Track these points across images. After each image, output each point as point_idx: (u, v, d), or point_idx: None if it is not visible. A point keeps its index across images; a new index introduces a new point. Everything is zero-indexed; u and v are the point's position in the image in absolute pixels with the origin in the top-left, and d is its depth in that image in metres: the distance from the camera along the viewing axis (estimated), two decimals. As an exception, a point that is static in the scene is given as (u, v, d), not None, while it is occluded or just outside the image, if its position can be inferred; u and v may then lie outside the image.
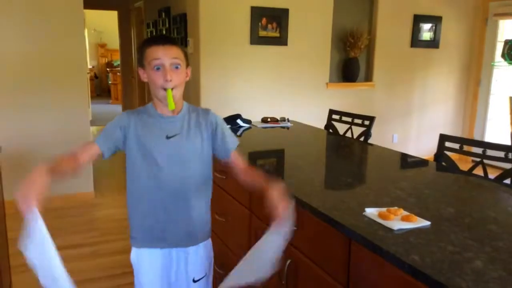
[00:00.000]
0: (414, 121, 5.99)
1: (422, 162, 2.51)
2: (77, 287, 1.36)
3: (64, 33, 4.23)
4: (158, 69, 1.58)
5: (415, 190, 1.94)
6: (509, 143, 3.69)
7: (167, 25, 5.62)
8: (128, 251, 3.32)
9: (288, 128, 3.44)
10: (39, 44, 4.16)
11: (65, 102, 4.32)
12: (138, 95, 7.98)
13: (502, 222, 1.56)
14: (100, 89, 13.32)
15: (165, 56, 1.58)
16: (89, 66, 13.15)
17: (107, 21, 11.88)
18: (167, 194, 1.69)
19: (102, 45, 13.09)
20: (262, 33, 4.84)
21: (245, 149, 2.75)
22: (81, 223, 3.90)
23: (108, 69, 12.74)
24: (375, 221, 1.52)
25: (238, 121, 3.30)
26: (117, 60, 11.48)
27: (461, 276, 1.16)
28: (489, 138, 5.98)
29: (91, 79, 13.06)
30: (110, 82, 12.42)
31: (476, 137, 6.12)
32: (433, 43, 5.82)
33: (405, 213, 1.57)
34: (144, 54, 1.61)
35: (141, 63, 1.64)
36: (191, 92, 4.95)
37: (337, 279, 1.55)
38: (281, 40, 4.94)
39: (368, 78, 5.67)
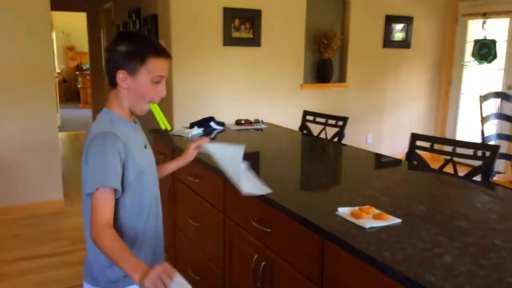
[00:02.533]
0: (387, 121, 6.07)
1: (395, 162, 2.53)
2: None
3: (30, 36, 4.10)
4: (156, 82, 1.43)
5: (387, 189, 1.95)
6: (479, 141, 3.77)
7: (137, 26, 5.54)
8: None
9: (262, 130, 3.43)
10: (3, 48, 4.03)
11: (32, 107, 4.18)
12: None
13: (471, 218, 1.58)
14: (69, 93, 13.02)
15: (167, 71, 1.45)
16: (58, 70, 12.87)
17: (75, 23, 11.65)
18: (154, 205, 1.58)
19: (71, 48, 12.82)
20: (235, 34, 4.83)
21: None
22: (51, 232, 3.79)
23: (77, 72, 12.48)
24: (347, 220, 1.51)
25: (212, 123, 3.27)
26: (86, 63, 11.26)
27: (431, 272, 1.16)
28: (460, 136, 6.11)
29: (59, 83, 12.75)
30: (79, 86, 12.17)
31: (448, 135, 6.24)
32: (405, 43, 5.91)
33: (376, 211, 1.58)
34: (146, 62, 1.39)
35: (131, 67, 1.38)
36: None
37: (311, 279, 1.55)
38: (255, 41, 4.93)
39: (342, 78, 5.72)
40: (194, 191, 2.53)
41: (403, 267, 1.19)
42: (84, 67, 12.13)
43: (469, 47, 5.83)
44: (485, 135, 3.78)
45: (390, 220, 1.51)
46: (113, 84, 1.43)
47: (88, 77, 10.14)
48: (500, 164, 5.03)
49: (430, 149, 2.50)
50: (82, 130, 8.70)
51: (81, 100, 11.90)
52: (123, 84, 1.40)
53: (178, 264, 2.87)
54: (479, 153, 2.31)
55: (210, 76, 4.78)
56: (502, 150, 4.71)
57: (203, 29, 4.67)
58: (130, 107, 1.46)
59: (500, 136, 3.96)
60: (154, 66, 1.40)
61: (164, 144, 2.97)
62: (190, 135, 3.00)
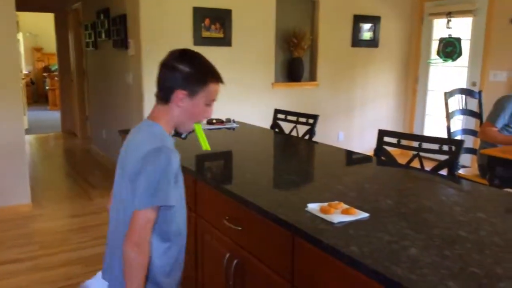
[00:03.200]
0: (358, 118, 6.16)
1: (364, 158, 2.58)
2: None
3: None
4: (208, 105, 1.46)
5: (356, 184, 1.99)
6: (445, 137, 3.87)
7: (106, 27, 5.46)
8: (71, 263, 3.21)
9: (234, 129, 3.43)
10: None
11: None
12: (77, 101, 7.70)
13: (436, 211, 1.62)
14: (37, 95, 12.71)
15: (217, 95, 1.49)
16: (25, 72, 12.54)
17: (43, 24, 11.39)
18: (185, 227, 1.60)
19: (38, 49, 12.52)
20: (206, 33, 4.81)
21: (191, 152, 2.71)
22: (19, 237, 3.69)
23: (45, 74, 12.20)
24: (316, 216, 1.53)
25: (183, 123, 3.25)
26: (54, 64, 11.01)
27: (397, 264, 1.19)
28: (428, 132, 6.26)
29: (27, 85, 12.44)
30: (47, 87, 11.89)
31: (416, 131, 6.38)
32: (373, 43, 6.02)
33: (345, 206, 1.60)
34: (207, 86, 1.42)
35: (192, 89, 1.40)
36: (133, 96, 4.84)
37: (282, 275, 1.56)
38: (225, 41, 4.93)
39: (312, 77, 5.77)
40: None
41: (370, 260, 1.21)
42: (52, 69, 11.86)
43: (435, 46, 5.97)
44: (451, 130, 3.88)
45: (358, 215, 1.54)
46: (165, 100, 1.41)
47: (56, 78, 9.91)
48: (466, 158, 5.19)
49: (397, 145, 2.56)
50: (51, 132, 8.52)
51: (50, 102, 11.64)
52: (180, 103, 1.40)
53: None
54: (446, 148, 2.37)
55: (181, 76, 4.75)
56: (468, 144, 4.86)
57: (173, 29, 4.63)
58: (177, 125, 1.46)
59: (465, 131, 4.07)
60: (212, 90, 1.43)
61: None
62: (160, 135, 2.97)
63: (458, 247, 1.30)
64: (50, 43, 10.85)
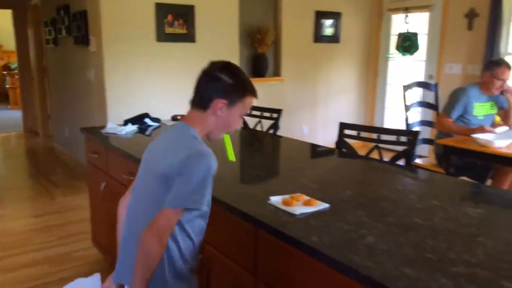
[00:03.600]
0: (321, 112, 6.28)
1: (326, 151, 2.65)
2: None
3: None
4: (241, 117, 1.52)
5: (318, 176, 2.05)
6: (404, 128, 4.02)
7: (66, 23, 5.33)
8: (36, 263, 3.16)
9: (198, 124, 3.44)
10: None
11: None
12: (39, 99, 7.49)
13: (393, 200, 1.70)
14: (-5, 93, 12.29)
15: None
16: (-18, 70, 12.13)
17: (1, 21, 10.98)
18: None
19: (-6, 46, 12.08)
20: (169, 29, 4.78)
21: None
22: (-20, 239, 3.60)
23: (5, 72, 11.78)
24: (279, 208, 1.58)
25: (146, 120, 3.24)
26: (15, 62, 10.65)
27: (355, 252, 1.25)
28: (387, 124, 6.44)
29: (-15, 84, 12.05)
30: (7, 86, 11.50)
31: (377, 123, 6.56)
32: (334, 38, 6.13)
33: (306, 198, 1.66)
34: (245, 98, 1.48)
35: (232, 100, 1.44)
36: (95, 93, 4.76)
37: (246, 268, 1.60)
38: (189, 37, 4.91)
39: (277, 72, 5.83)
40: (126, 186, 2.50)
41: (329, 249, 1.27)
42: (12, 67, 11.47)
43: (393, 40, 6.14)
44: (409, 122, 4.02)
45: (319, 206, 1.60)
46: (203, 107, 1.45)
47: (16, 76, 9.58)
48: (424, 148, 5.38)
49: (358, 137, 2.65)
50: (12, 132, 8.26)
51: (11, 101, 11.27)
52: (218, 112, 1.44)
53: (117, 264, 2.82)
54: (403, 139, 2.47)
55: (145, 72, 4.71)
56: (425, 135, 5.04)
57: (135, 25, 4.58)
58: (210, 132, 1.50)
59: (422, 122, 4.23)
60: (248, 103, 1.50)
61: (97, 143, 2.90)
62: (124, 132, 2.95)
63: (413, 234, 1.37)
64: (9, 40, 10.47)
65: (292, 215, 1.52)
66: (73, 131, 5.63)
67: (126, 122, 3.17)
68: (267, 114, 3.41)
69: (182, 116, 3.49)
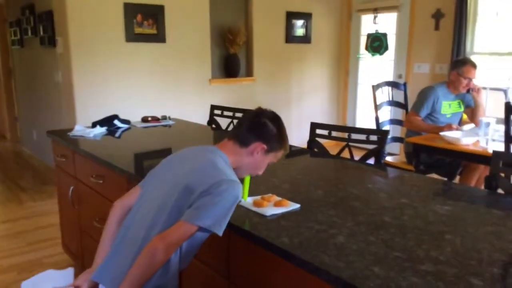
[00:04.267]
0: (294, 111, 6.30)
1: (298, 151, 2.65)
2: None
3: None
4: (267, 165, 1.58)
5: (290, 177, 2.05)
6: (375, 127, 4.07)
7: (32, 24, 5.19)
8: (4, 271, 3.05)
9: (170, 126, 3.40)
10: None
11: None
12: (5, 101, 7.27)
13: (363, 198, 1.71)
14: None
15: None
16: None
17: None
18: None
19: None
20: (138, 30, 4.71)
21: (127, 150, 2.66)
22: None
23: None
24: (250, 209, 1.57)
25: (116, 122, 3.17)
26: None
27: (326, 252, 1.25)
28: (359, 122, 6.53)
29: None
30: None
31: (349, 122, 6.63)
32: (306, 39, 6.17)
33: (277, 198, 1.65)
34: (279, 151, 1.57)
35: (270, 147, 1.53)
36: (63, 95, 4.65)
37: (220, 272, 1.58)
38: (159, 37, 4.85)
39: (249, 73, 5.83)
40: (98, 192, 2.45)
41: (299, 250, 1.26)
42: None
43: (363, 41, 6.22)
44: (380, 121, 4.08)
45: (290, 206, 1.59)
46: (243, 144, 1.52)
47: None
48: (395, 147, 5.47)
49: (329, 137, 2.66)
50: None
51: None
52: (255, 154, 1.52)
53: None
54: (374, 137, 2.49)
55: (114, 73, 4.63)
56: (396, 133, 5.13)
57: (103, 25, 4.49)
58: (238, 168, 1.54)
59: (392, 121, 4.29)
60: (279, 155, 1.58)
61: (65, 147, 2.83)
62: (92, 135, 2.89)
63: (383, 232, 1.38)
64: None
65: (263, 216, 1.51)
66: (42, 135, 5.49)
67: (94, 124, 3.10)
68: (239, 115, 3.40)
69: (152, 117, 3.46)
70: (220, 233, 1.35)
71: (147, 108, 4.62)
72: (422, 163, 3.41)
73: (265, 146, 1.51)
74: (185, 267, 1.48)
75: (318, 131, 2.69)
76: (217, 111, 3.57)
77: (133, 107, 4.55)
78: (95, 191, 2.48)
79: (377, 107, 4.09)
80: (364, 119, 6.44)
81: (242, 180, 1.55)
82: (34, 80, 5.71)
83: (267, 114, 1.57)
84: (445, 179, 3.75)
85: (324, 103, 6.65)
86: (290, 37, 5.99)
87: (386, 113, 5.06)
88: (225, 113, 3.51)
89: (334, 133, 2.67)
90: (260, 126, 1.53)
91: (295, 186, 1.87)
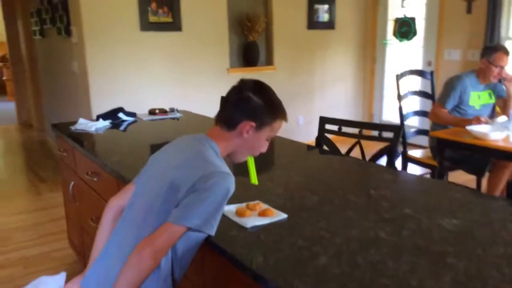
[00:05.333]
0: (317, 101, 6.06)
1: (303, 149, 2.47)
2: None
3: None
4: (267, 140, 1.41)
5: (286, 179, 1.87)
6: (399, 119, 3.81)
7: (50, 14, 5.15)
8: (11, 264, 3.03)
9: (177, 119, 3.27)
10: None
11: None
12: (31, 91, 7.35)
13: (361, 208, 1.52)
14: (-4, 86, 12.23)
15: None
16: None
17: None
18: None
19: (-5, 39, 11.94)
20: (153, 18, 4.58)
21: (125, 146, 2.55)
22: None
23: (1, 64, 11.69)
24: (230, 219, 1.41)
25: (120, 115, 3.07)
26: (11, 54, 10.52)
27: (302, 277, 1.08)
28: (387, 114, 6.22)
29: (-16, 76, 11.97)
30: (4, 78, 11.41)
31: (375, 113, 6.33)
32: (329, 24, 5.88)
33: (264, 207, 1.49)
34: (274, 122, 1.38)
35: (260, 122, 1.34)
36: (80, 86, 4.60)
37: (195, 285, 1.44)
38: (175, 26, 4.71)
39: (269, 61, 5.62)
40: (93, 189, 2.35)
41: (273, 273, 1.10)
42: (10, 58, 11.38)
43: (391, 26, 5.89)
44: (404, 112, 3.82)
45: (275, 217, 1.43)
46: (230, 126, 1.34)
47: (12, 68, 9.47)
48: (424, 139, 5.17)
49: (338, 132, 2.46)
50: (7, 124, 8.17)
51: (8, 93, 11.18)
52: (245, 134, 1.34)
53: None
54: (400, 134, 2.27)
55: (129, 63, 4.54)
56: (422, 126, 4.82)
57: (117, 14, 4.39)
58: (232, 153, 1.39)
59: (418, 112, 4.02)
60: (277, 127, 1.40)
61: (64, 141, 2.74)
62: (93, 129, 2.79)
63: (374, 252, 1.19)
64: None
65: (242, 228, 1.35)
66: (60, 125, 5.50)
67: (98, 118, 3.00)
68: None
69: (159, 109, 3.34)
70: (213, 233, 1.21)
71: (162, 98, 4.52)
72: (447, 158, 3.16)
73: (253, 123, 1.33)
74: (183, 273, 1.33)
75: (328, 127, 2.50)
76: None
77: (148, 98, 4.45)
78: (91, 189, 2.39)
79: (400, 98, 3.82)
80: (392, 109, 6.12)
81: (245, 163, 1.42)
82: (54, 69, 5.71)
83: (249, 86, 1.37)
84: (473, 176, 3.48)
85: (349, 93, 6.37)
86: (312, 23, 5.73)
87: (414, 104, 4.77)
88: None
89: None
90: (244, 102, 1.35)
91: (289, 191, 1.70)
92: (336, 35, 6.00)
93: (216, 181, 1.21)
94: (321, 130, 2.50)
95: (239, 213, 1.43)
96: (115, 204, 1.45)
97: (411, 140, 3.93)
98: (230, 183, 1.23)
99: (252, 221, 1.39)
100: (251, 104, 1.34)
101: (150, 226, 1.23)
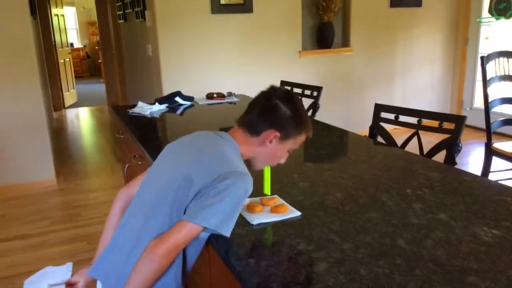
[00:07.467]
0: (399, 86, 5.67)
1: (352, 139, 2.27)
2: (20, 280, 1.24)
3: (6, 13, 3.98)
4: (288, 152, 1.38)
5: (315, 172, 1.72)
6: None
7: (130, -1, 5.37)
8: (76, 240, 3.23)
9: (234, 103, 3.22)
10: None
11: (14, 86, 4.09)
12: (118, 74, 7.78)
13: (387, 209, 1.34)
14: (93, 68, 13.19)
15: None
16: (80, 46, 13.01)
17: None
18: None
19: (92, 23, 12.83)
20: (224, 0, 4.56)
21: (174, 131, 2.55)
22: (35, 212, 3.77)
23: (97, 47, 12.56)
24: (240, 214, 1.32)
25: (177, 98, 3.09)
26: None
27: (288, 285, 0.96)
28: (478, 101, 5.64)
29: (82, 59, 12.95)
30: (100, 60, 12.25)
31: (465, 99, 5.78)
32: (416, 2, 5.43)
33: (280, 202, 1.38)
34: (299, 135, 1.33)
35: (286, 134, 1.30)
36: (153, 69, 4.74)
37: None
38: (246, 7, 4.65)
39: (345, 43, 5.35)
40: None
41: (259, 278, 0.99)
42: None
43: (486, 2, 5.28)
44: (490, 99, 3.40)
45: (288, 214, 1.31)
46: (254, 132, 1.30)
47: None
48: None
49: (395, 121, 2.23)
50: (98, 105, 8.76)
51: (102, 75, 11.99)
52: (268, 143, 1.31)
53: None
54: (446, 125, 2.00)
55: (200, 46, 4.57)
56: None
57: (189, -3, 4.43)
58: (252, 159, 1.35)
59: (506, 100, 3.56)
60: (301, 140, 1.36)
61: (120, 124, 2.82)
62: (148, 112, 2.83)
63: (383, 263, 1.03)
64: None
65: (248, 225, 1.26)
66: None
67: (155, 101, 3.05)
68: (308, 92, 3.08)
69: (217, 93, 3.31)
70: (228, 234, 1.14)
71: (234, 81, 4.51)
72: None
73: (278, 134, 1.28)
74: (189, 270, 1.29)
75: (384, 115, 2.28)
76: (287, 88, 3.29)
77: (220, 81, 4.47)
78: (141, 172, 2.43)
79: (486, 83, 3.40)
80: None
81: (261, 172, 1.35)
82: (134, 53, 5.95)
83: (279, 94, 1.31)
84: None
85: (435, 77, 5.86)
86: (395, 1, 5.32)
87: (505, 90, 4.25)
88: (295, 89, 3.21)
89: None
90: (271, 110, 1.29)
91: (313, 186, 1.55)
92: (423, 14, 5.53)
93: (235, 180, 1.15)
94: (376, 118, 2.29)
95: (250, 208, 1.34)
96: (125, 193, 1.43)
97: (499, 129, 3.51)
98: (249, 184, 1.18)
99: (260, 217, 1.28)
100: (278, 114, 1.29)
101: (159, 219, 1.20)
